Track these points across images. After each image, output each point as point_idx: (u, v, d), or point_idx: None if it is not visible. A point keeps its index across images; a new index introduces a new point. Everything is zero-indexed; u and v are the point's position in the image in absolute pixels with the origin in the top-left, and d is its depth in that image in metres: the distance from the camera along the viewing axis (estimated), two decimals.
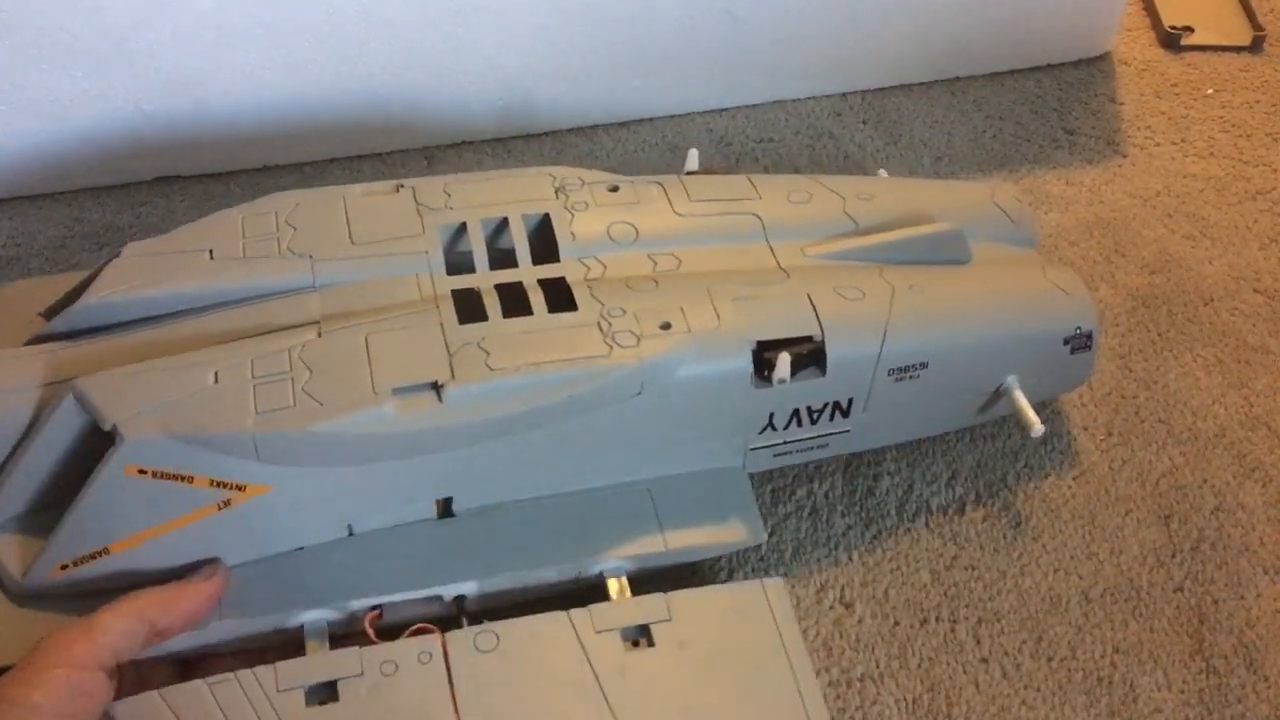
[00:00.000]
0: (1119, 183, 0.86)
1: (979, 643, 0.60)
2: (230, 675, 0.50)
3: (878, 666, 0.59)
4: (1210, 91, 0.94)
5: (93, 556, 0.51)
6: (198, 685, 0.49)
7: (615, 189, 0.63)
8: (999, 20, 0.90)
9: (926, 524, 0.64)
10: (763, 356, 0.57)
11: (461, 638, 0.51)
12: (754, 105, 0.90)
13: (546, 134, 0.86)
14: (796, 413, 0.59)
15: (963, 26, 0.90)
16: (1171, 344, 0.75)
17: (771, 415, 0.59)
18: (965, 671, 0.59)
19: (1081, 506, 0.66)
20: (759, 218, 0.63)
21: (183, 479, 0.50)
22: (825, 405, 0.60)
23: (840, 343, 0.58)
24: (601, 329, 0.55)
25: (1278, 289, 0.78)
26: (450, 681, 0.50)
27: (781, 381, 0.56)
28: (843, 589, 0.62)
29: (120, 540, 0.51)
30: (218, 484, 0.51)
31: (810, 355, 0.57)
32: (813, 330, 0.57)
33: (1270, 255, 0.81)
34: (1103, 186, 0.85)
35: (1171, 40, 0.97)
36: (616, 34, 0.82)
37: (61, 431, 0.52)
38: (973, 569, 0.63)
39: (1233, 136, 0.90)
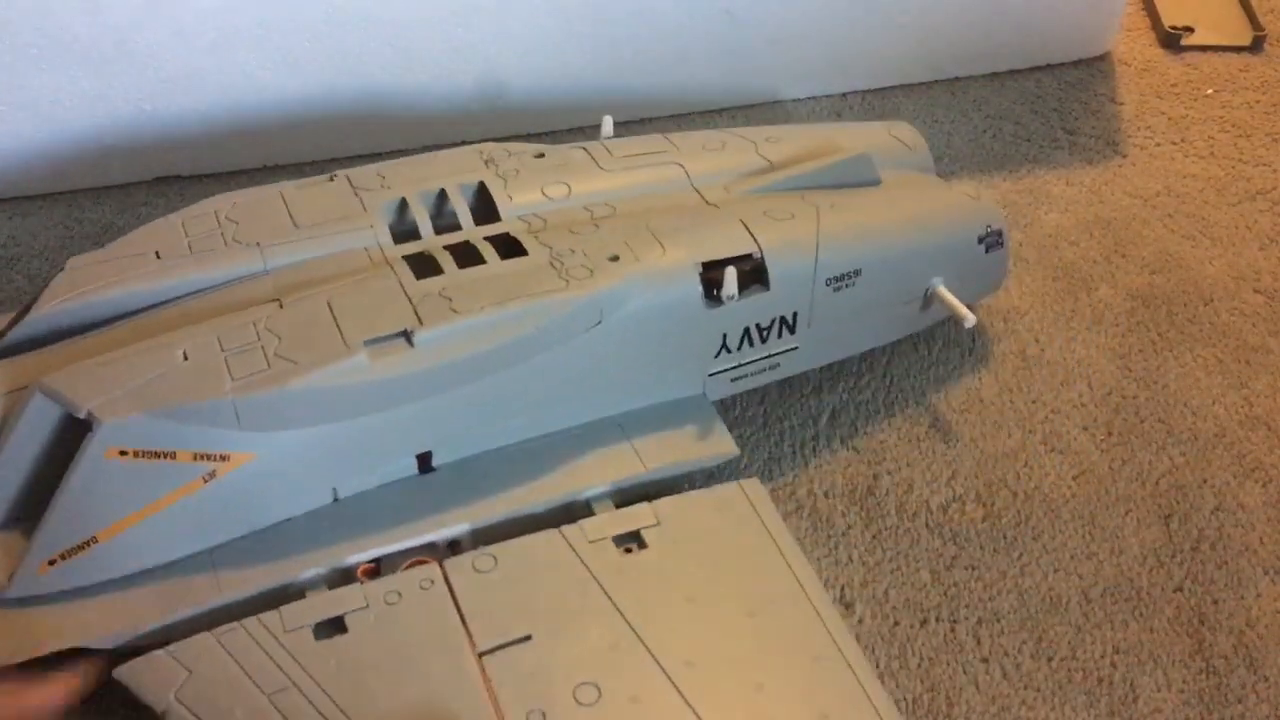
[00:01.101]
0: (1119, 183, 0.86)
1: (979, 643, 0.60)
2: (235, 624, 0.50)
3: (878, 666, 0.59)
4: (1210, 91, 0.94)
5: (80, 548, 0.51)
6: (204, 638, 0.49)
7: (541, 155, 0.65)
8: (999, 20, 0.90)
9: (926, 524, 0.64)
10: (709, 278, 0.59)
11: (459, 563, 0.53)
12: (754, 105, 0.90)
13: (546, 134, 0.86)
14: (747, 332, 0.62)
15: (963, 26, 0.90)
16: (1171, 344, 0.75)
17: (725, 336, 0.62)
18: (965, 671, 0.59)
19: (1081, 506, 0.66)
20: (682, 167, 0.66)
21: (165, 456, 0.50)
22: (773, 321, 0.63)
23: (779, 257, 0.61)
24: (555, 267, 0.57)
25: (1278, 289, 0.78)
26: (456, 601, 0.51)
27: (730, 297, 0.59)
28: (843, 589, 0.62)
29: (107, 527, 0.51)
30: (201, 456, 0.51)
31: (753, 272, 0.61)
32: (751, 248, 0.61)
33: (1270, 255, 0.81)
34: (1103, 186, 0.85)
35: (1171, 40, 0.97)
36: (616, 34, 0.82)
37: (32, 432, 0.51)
38: (973, 569, 0.63)
39: (1233, 136, 0.90)
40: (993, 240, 0.69)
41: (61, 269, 0.58)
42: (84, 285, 0.57)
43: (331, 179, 0.63)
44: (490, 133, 0.85)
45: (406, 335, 0.53)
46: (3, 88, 0.74)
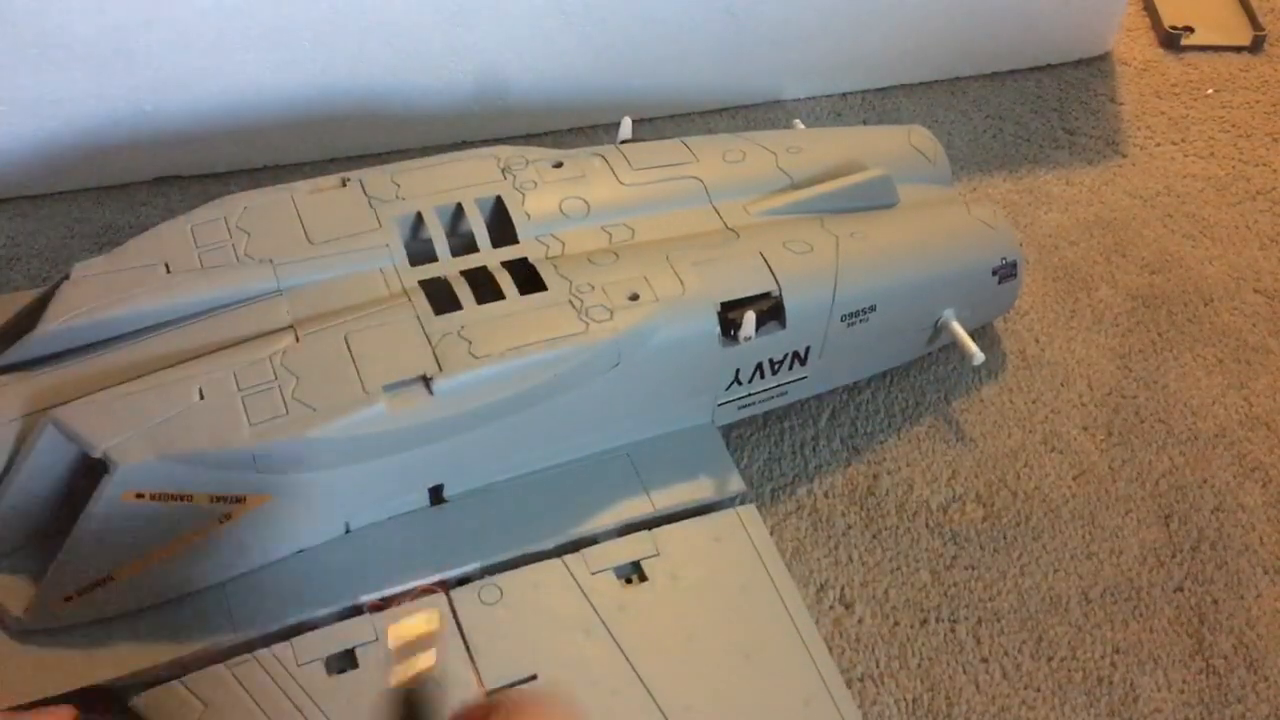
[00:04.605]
0: (1119, 183, 0.86)
1: (979, 643, 0.60)
2: (249, 656, 0.50)
3: (878, 666, 0.59)
4: (1210, 91, 0.94)
5: (96, 585, 0.51)
6: (218, 669, 0.50)
7: (559, 165, 0.64)
8: (999, 20, 0.90)
9: (926, 524, 0.64)
10: (727, 317, 0.59)
11: (466, 593, 0.53)
12: (754, 105, 0.90)
13: (546, 133, 0.86)
14: (760, 366, 0.62)
15: (963, 26, 0.90)
16: (1171, 344, 0.75)
17: (738, 371, 0.61)
18: (965, 671, 0.59)
19: (1081, 506, 0.66)
20: (700, 181, 0.65)
21: (181, 498, 0.50)
22: (785, 356, 0.62)
23: (796, 295, 0.60)
24: (574, 306, 0.56)
25: (1278, 289, 0.78)
26: (462, 634, 0.51)
27: (747, 339, 0.59)
28: (843, 589, 0.62)
29: (122, 565, 0.51)
30: (217, 499, 0.51)
31: (770, 310, 0.60)
32: (770, 287, 0.60)
33: (1270, 255, 0.81)
34: (1103, 186, 0.85)
35: (1171, 40, 0.97)
36: (616, 34, 0.82)
37: (46, 463, 0.51)
38: (973, 569, 0.63)
39: (1233, 136, 0.90)
40: (1006, 271, 0.68)
41: (65, 274, 0.57)
42: (93, 299, 0.55)
43: (344, 183, 0.61)
44: (490, 133, 0.85)
45: (426, 381, 0.52)
46: (3, 88, 0.74)
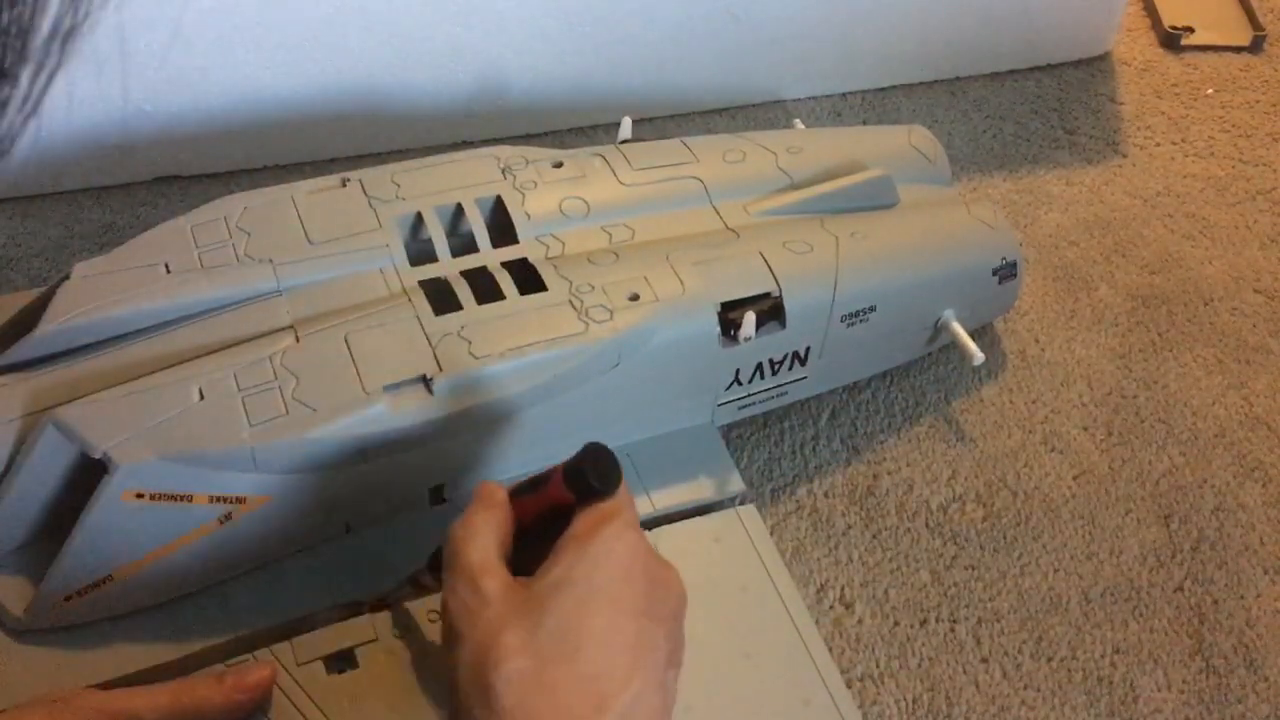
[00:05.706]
0: (1119, 183, 0.86)
1: (979, 643, 0.60)
2: (248, 656, 0.50)
3: (878, 666, 0.59)
4: (1210, 91, 0.94)
5: (97, 585, 0.50)
6: (216, 669, 0.50)
7: (559, 165, 0.64)
8: (999, 20, 0.90)
9: (926, 524, 0.64)
10: (727, 317, 0.59)
11: None
12: (754, 105, 0.90)
13: (547, 134, 0.86)
14: (760, 366, 0.62)
15: (963, 26, 0.90)
16: (1171, 344, 0.75)
17: (737, 371, 0.61)
18: (965, 671, 0.59)
19: (1081, 506, 0.66)
20: (700, 181, 0.65)
21: (181, 499, 0.50)
22: (785, 356, 0.62)
23: (797, 296, 0.60)
24: (574, 306, 0.56)
25: (1278, 289, 0.78)
26: None
27: (747, 339, 0.59)
28: (843, 589, 0.62)
29: (122, 566, 0.51)
30: (217, 499, 0.51)
31: (770, 311, 0.60)
32: (770, 287, 0.60)
33: (1270, 255, 0.81)
34: (1103, 186, 0.85)
35: (1171, 40, 0.98)
36: (617, 34, 0.82)
37: (47, 464, 0.51)
38: (973, 569, 0.63)
39: (1233, 136, 0.90)
40: (1006, 272, 0.68)
41: (65, 274, 0.56)
42: (93, 299, 0.55)
43: (344, 183, 0.61)
44: (490, 133, 0.85)
45: (426, 382, 0.52)
46: None
